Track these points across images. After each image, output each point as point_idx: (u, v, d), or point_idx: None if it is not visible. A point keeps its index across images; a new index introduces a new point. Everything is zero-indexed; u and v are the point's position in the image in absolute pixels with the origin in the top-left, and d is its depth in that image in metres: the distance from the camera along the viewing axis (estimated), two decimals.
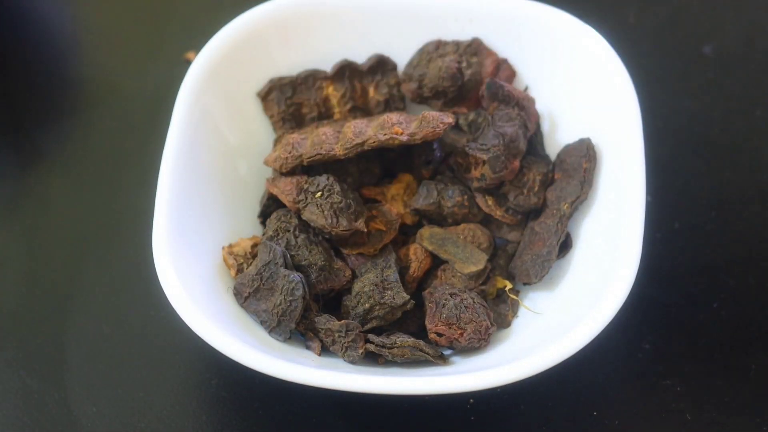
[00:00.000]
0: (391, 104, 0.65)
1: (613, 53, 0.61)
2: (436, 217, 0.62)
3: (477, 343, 0.56)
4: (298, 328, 0.57)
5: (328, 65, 0.65)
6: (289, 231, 0.58)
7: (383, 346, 0.56)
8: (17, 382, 0.61)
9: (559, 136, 0.64)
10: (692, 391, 0.61)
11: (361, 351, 0.55)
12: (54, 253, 0.68)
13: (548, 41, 0.63)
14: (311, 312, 0.57)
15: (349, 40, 0.65)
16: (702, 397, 0.61)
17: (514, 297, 0.60)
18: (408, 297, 0.57)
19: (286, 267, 0.56)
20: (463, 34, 0.65)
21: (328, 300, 0.59)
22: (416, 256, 0.60)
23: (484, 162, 0.60)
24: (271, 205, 0.62)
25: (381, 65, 0.65)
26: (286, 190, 0.59)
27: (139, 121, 0.73)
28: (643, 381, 0.62)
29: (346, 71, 0.65)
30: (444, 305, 0.56)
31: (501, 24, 0.64)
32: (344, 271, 0.58)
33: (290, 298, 0.55)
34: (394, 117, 0.59)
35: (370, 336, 0.56)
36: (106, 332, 0.63)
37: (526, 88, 0.65)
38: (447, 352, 0.58)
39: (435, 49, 0.65)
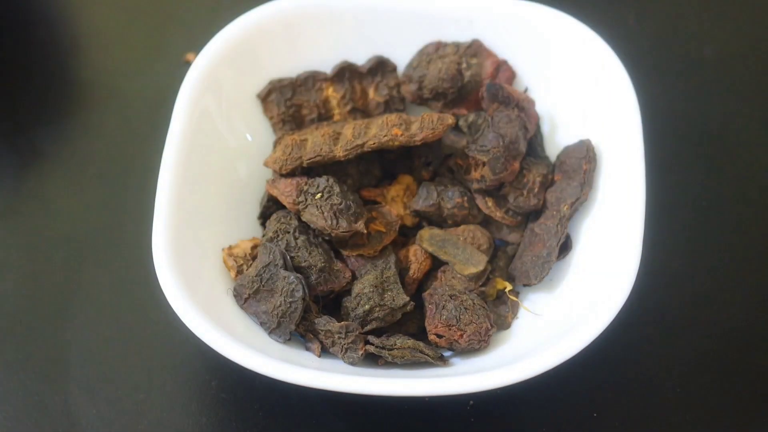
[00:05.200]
0: (390, 105, 0.65)
1: (613, 55, 0.61)
2: (436, 219, 0.62)
3: (477, 344, 0.56)
4: (298, 330, 0.57)
5: (327, 67, 0.65)
6: (288, 232, 0.58)
7: (383, 348, 0.56)
8: (17, 383, 0.61)
9: (559, 137, 0.64)
10: (692, 393, 0.61)
11: (360, 352, 0.55)
12: (54, 254, 0.68)
13: (548, 43, 0.63)
14: (311, 313, 0.57)
15: (349, 42, 0.65)
16: (702, 399, 0.61)
17: (514, 298, 0.60)
18: (408, 298, 0.57)
19: (285, 268, 0.56)
20: (463, 36, 0.65)
21: (328, 301, 0.59)
22: (416, 257, 0.60)
23: (484, 163, 0.60)
24: (271, 207, 0.62)
25: (381, 66, 0.65)
26: (285, 192, 0.59)
27: (139, 122, 0.73)
28: (643, 382, 0.62)
29: (346, 72, 0.65)
30: (444, 307, 0.56)
31: (501, 25, 0.64)
32: (344, 272, 0.58)
33: (290, 299, 0.55)
34: (393, 118, 0.59)
35: (370, 337, 0.56)
36: (106, 334, 0.64)
37: (526, 90, 0.65)
38: (447, 353, 0.58)
39: (435, 50, 0.65)
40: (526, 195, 0.61)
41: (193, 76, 0.61)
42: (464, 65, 0.64)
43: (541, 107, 0.63)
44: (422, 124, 0.58)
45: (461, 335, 0.56)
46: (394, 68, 0.65)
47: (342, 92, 0.65)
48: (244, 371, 0.52)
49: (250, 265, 0.59)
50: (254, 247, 0.60)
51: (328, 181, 0.58)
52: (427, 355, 0.55)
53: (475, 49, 0.64)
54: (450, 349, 0.57)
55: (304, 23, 0.64)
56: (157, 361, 0.63)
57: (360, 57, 0.65)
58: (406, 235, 0.62)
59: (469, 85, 0.64)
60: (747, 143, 0.72)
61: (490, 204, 0.61)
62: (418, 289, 0.60)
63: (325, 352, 0.57)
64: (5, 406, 0.61)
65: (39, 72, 0.76)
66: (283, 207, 0.60)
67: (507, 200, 0.61)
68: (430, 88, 0.64)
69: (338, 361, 0.56)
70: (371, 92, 0.65)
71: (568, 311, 0.57)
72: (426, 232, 0.61)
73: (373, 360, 0.57)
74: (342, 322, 0.56)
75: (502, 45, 0.65)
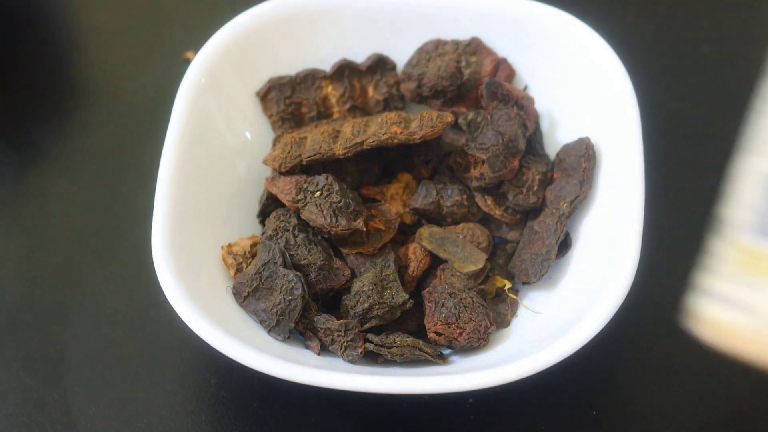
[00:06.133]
0: (390, 104, 0.65)
1: (612, 52, 0.61)
2: (436, 217, 0.62)
3: (476, 342, 0.56)
4: (297, 328, 0.57)
5: (327, 64, 0.65)
6: (288, 230, 0.58)
7: (382, 346, 0.56)
8: (17, 382, 0.61)
9: (558, 135, 0.64)
10: (692, 391, 0.61)
11: (360, 350, 0.55)
12: (54, 253, 0.68)
13: (547, 40, 0.63)
14: (310, 311, 0.57)
15: (348, 39, 0.65)
16: (701, 397, 0.61)
17: (514, 296, 0.60)
18: (407, 296, 0.57)
19: (285, 266, 0.56)
20: (462, 34, 0.65)
21: (328, 299, 0.59)
22: (415, 255, 0.60)
23: (483, 161, 0.60)
24: (270, 205, 0.62)
25: (380, 64, 0.65)
26: (285, 190, 0.59)
27: (138, 121, 0.73)
28: (643, 380, 0.62)
29: (345, 70, 0.65)
30: (443, 305, 0.56)
31: (500, 23, 0.64)
32: (343, 270, 0.58)
33: (289, 297, 0.55)
34: (393, 116, 0.59)
35: (370, 335, 0.56)
36: (106, 332, 0.63)
37: (525, 87, 0.65)
38: (446, 351, 0.58)
39: (434, 48, 0.65)
40: (526, 193, 0.61)
41: (192, 75, 0.61)
42: (463, 63, 0.64)
43: (540, 105, 0.63)
44: (421, 122, 0.58)
45: (460, 333, 0.56)
46: (393, 66, 0.65)
47: (341, 90, 0.65)
48: (243, 369, 0.52)
49: (250, 263, 0.59)
50: (253, 245, 0.60)
51: (327, 179, 0.58)
52: (426, 353, 0.55)
53: (475, 47, 0.64)
54: (449, 347, 0.57)
55: (304, 21, 0.64)
56: (157, 360, 0.63)
57: (359, 55, 0.65)
58: (405, 233, 0.62)
59: (469, 83, 0.64)
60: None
61: (489, 202, 0.61)
62: (417, 287, 0.60)
63: (324, 350, 0.57)
64: (5, 405, 0.61)
65: (39, 70, 0.76)
66: (283, 205, 0.60)
67: (506, 198, 0.61)
68: (430, 86, 0.64)
69: (337, 359, 0.56)
70: (370, 90, 0.65)
71: (568, 309, 0.57)
72: (425, 230, 0.61)
73: (372, 358, 0.57)
74: (341, 320, 0.56)
75: (502, 43, 0.65)
